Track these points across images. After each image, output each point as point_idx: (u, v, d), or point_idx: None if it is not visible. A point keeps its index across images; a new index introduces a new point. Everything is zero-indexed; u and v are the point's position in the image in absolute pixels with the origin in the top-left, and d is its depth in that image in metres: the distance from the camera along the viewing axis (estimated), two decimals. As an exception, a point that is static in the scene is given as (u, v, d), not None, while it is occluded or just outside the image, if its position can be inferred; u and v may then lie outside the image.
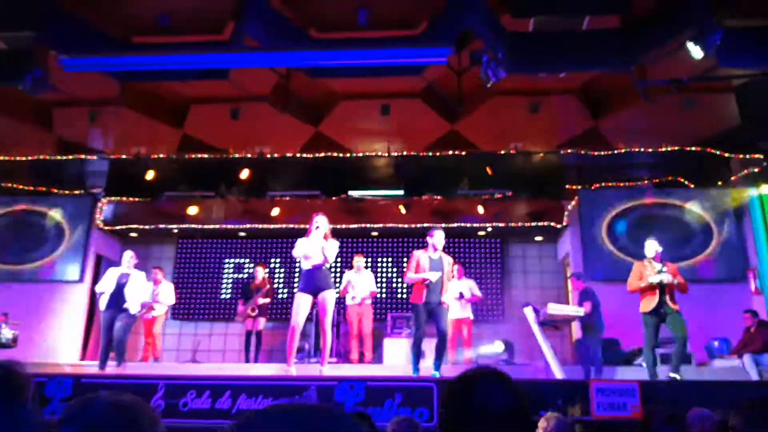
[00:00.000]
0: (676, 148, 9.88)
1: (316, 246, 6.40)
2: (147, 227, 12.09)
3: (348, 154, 10.73)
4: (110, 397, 1.33)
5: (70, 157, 10.77)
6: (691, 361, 8.35)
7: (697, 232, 10.25)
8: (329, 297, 6.45)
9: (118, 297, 7.58)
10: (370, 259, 11.80)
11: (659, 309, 6.70)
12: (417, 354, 6.73)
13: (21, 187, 11.57)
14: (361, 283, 9.56)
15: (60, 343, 10.64)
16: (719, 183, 10.48)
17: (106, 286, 7.67)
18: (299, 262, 6.73)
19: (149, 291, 8.30)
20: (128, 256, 7.95)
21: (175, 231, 12.32)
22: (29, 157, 10.86)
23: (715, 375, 7.97)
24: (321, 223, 6.51)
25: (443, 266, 6.67)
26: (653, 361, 6.86)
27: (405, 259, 12.20)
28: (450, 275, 6.79)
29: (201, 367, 9.48)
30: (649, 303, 6.77)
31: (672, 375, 6.57)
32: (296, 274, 12.21)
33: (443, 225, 11.56)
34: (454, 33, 6.85)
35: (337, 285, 11.75)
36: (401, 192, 10.96)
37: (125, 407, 1.24)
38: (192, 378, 6.30)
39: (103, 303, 7.67)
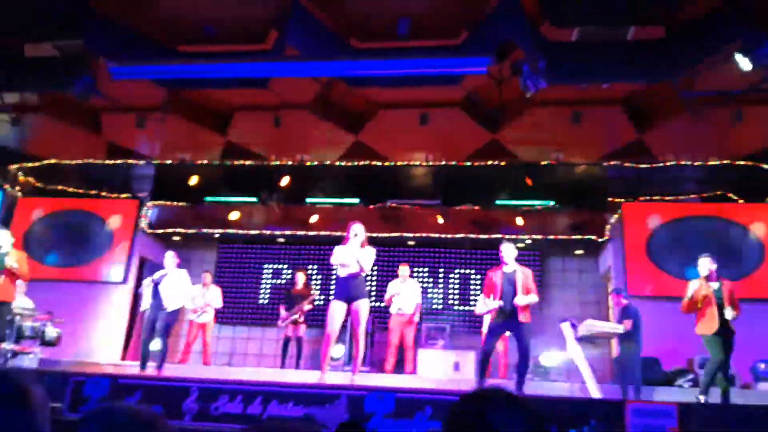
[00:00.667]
0: (724, 161, 9.55)
1: (352, 254, 6.41)
2: (189, 231, 12.35)
3: (387, 163, 10.75)
4: (129, 408, 1.36)
5: (118, 161, 11.12)
6: (735, 383, 8.03)
7: (745, 249, 9.86)
8: (363, 306, 6.45)
9: (156, 296, 7.73)
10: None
11: (720, 330, 6.40)
12: (481, 368, 6.65)
13: (71, 189, 12.00)
14: (406, 293, 9.49)
15: (101, 343, 10.93)
16: (768, 199, 10.08)
17: (146, 289, 7.84)
18: (336, 269, 6.75)
19: (188, 289, 8.32)
20: (170, 256, 8.09)
21: (217, 236, 12.55)
22: (79, 161, 11.26)
23: (761, 398, 7.61)
24: (358, 230, 6.52)
25: (516, 279, 6.56)
26: (712, 380, 6.48)
27: (441, 270, 12.16)
28: (525, 288, 6.57)
29: (236, 371, 9.59)
30: (709, 326, 6.46)
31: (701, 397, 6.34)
32: (333, 282, 12.28)
33: (481, 236, 11.53)
34: (494, 43, 6.80)
35: (372, 294, 11.86)
36: (438, 201, 10.92)
37: (140, 418, 1.27)
38: (225, 382, 6.37)
39: (144, 303, 7.84)
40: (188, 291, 8.22)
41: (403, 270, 9.65)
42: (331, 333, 6.41)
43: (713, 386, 6.53)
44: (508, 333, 6.99)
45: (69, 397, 6.00)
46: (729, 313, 6.38)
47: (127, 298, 11.59)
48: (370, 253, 6.48)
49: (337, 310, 6.40)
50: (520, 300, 6.42)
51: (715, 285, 6.56)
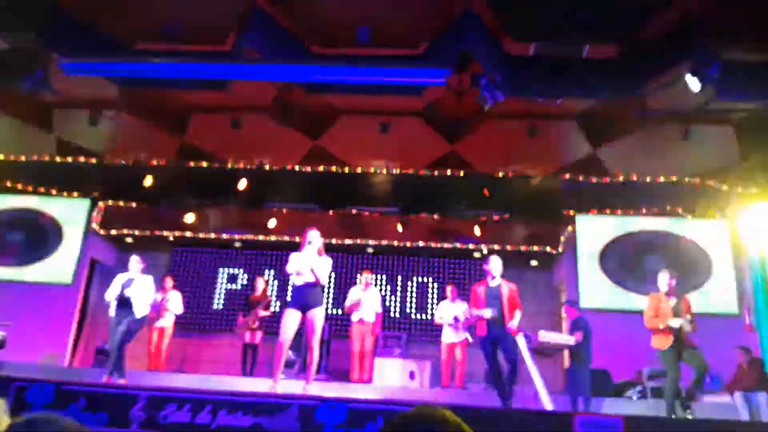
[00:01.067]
0: (674, 178, 9.84)
1: (308, 262, 6.33)
2: (143, 233, 12.06)
3: (347, 169, 10.71)
4: (54, 422, 1.31)
5: (70, 159, 10.77)
6: (682, 395, 8.22)
7: (693, 264, 10.16)
8: (318, 314, 6.36)
9: (122, 302, 7.51)
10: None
11: (676, 345, 6.46)
12: (499, 386, 6.59)
13: (20, 186, 11.58)
14: (368, 301, 9.42)
15: (49, 347, 10.55)
16: (717, 216, 10.42)
17: (112, 293, 7.60)
18: (292, 276, 6.65)
19: (153, 295, 8.14)
20: (135, 261, 7.86)
21: (171, 238, 12.29)
22: (29, 158, 10.87)
23: (705, 411, 7.83)
24: (313, 238, 6.44)
25: (501, 293, 6.58)
26: (674, 396, 6.50)
27: (399, 277, 12.17)
28: (510, 302, 6.60)
29: (187, 378, 9.37)
30: (665, 340, 6.51)
31: (685, 415, 6.42)
32: (291, 288, 12.16)
33: (439, 245, 11.60)
34: (454, 54, 6.86)
35: (330, 301, 11.79)
36: (397, 209, 10.95)
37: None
38: (173, 390, 6.22)
39: (111, 310, 7.59)
40: (152, 297, 8.04)
41: (365, 277, 9.57)
42: (284, 341, 6.31)
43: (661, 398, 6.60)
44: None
45: (12, 402, 5.76)
46: (687, 326, 6.48)
47: (76, 300, 11.24)
48: (326, 263, 6.41)
49: (291, 318, 6.29)
50: (514, 324, 6.50)
51: (672, 300, 6.66)
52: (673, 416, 6.36)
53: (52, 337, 10.71)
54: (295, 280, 6.40)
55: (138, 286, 7.59)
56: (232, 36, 7.51)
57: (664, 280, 6.74)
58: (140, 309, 7.55)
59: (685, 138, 8.46)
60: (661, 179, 9.95)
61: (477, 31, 6.86)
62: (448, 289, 9.75)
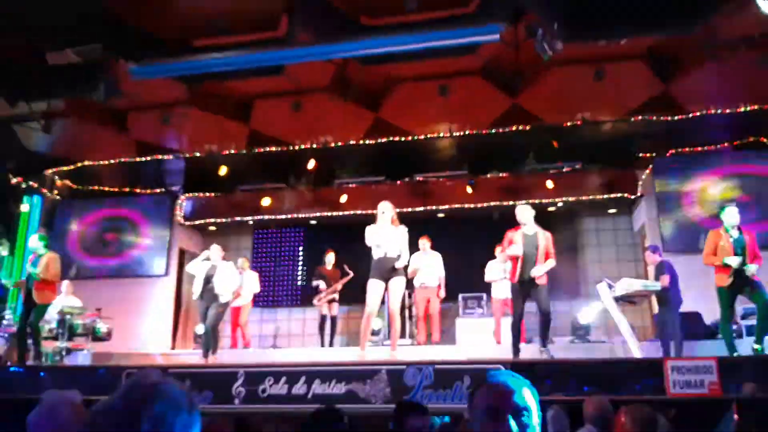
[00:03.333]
0: (755, 107, 9.23)
1: (386, 234, 6.47)
2: (224, 220, 12.62)
3: (410, 138, 10.72)
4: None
5: (148, 158, 11.37)
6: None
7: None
8: (399, 283, 6.52)
9: (208, 287, 8.01)
10: (438, 241, 11.77)
11: (735, 282, 6.31)
12: (515, 335, 6.67)
13: (107, 188, 12.35)
14: (428, 265, 9.52)
15: (151, 334, 11.34)
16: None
17: (195, 268, 8.18)
18: (370, 248, 6.81)
19: (237, 279, 8.69)
20: (216, 249, 8.37)
21: (251, 222, 12.80)
22: (111, 161, 11.56)
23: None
24: (386, 208, 6.57)
25: (538, 242, 6.55)
26: (731, 336, 6.49)
27: (474, 240, 12.12)
28: (546, 251, 6.59)
29: (279, 352, 9.86)
30: (723, 278, 6.37)
31: (755, 347, 6.24)
32: (366, 260, 12.40)
33: (512, 202, 11.45)
34: (506, 8, 6.69)
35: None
36: (465, 172, 10.89)
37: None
38: (269, 365, 6.60)
39: (195, 293, 8.13)
40: (236, 282, 8.54)
41: (424, 243, 9.64)
42: (371, 312, 6.51)
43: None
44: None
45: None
46: (750, 269, 6.23)
47: (170, 290, 11.99)
48: (403, 233, 6.52)
49: (375, 289, 6.48)
50: (537, 271, 6.42)
51: (735, 234, 6.40)
52: (734, 354, 6.19)
53: (153, 325, 11.50)
54: (375, 252, 6.55)
55: (221, 272, 8.07)
56: (284, 20, 7.63)
57: (731, 216, 6.48)
58: (225, 294, 8.04)
59: (763, 64, 7.90)
60: (741, 110, 9.36)
61: (528, -20, 6.65)
62: (498, 249, 9.60)
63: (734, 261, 6.25)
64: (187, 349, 11.41)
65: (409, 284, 9.67)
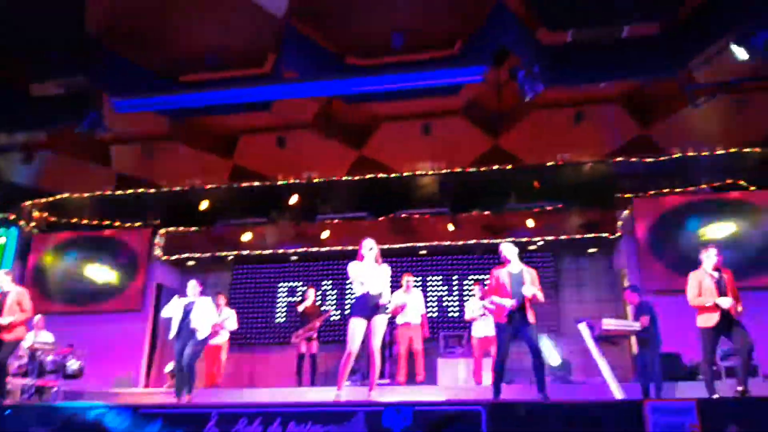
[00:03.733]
0: (733, 150, 9.47)
1: (370, 271, 6.40)
2: (203, 255, 12.48)
3: (393, 174, 10.79)
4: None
5: (129, 191, 11.28)
6: (758, 373, 7.91)
7: (760, 236, 9.75)
8: (381, 321, 6.42)
9: (186, 325, 7.84)
10: (419, 278, 11.76)
11: (721, 323, 6.30)
12: (498, 375, 6.52)
13: (84, 222, 12.19)
14: (412, 303, 9.47)
15: (124, 372, 11.04)
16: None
17: (172, 311, 7.93)
18: (351, 284, 6.70)
19: (215, 316, 8.48)
20: (193, 285, 8.18)
21: (230, 258, 12.66)
22: (90, 193, 11.44)
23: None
24: (372, 245, 6.50)
25: (524, 279, 6.52)
26: (712, 376, 6.47)
27: (455, 277, 12.14)
28: (533, 288, 6.48)
29: (255, 393, 9.63)
30: (710, 319, 6.36)
31: (739, 389, 6.23)
32: (347, 296, 12.31)
33: (493, 240, 11.51)
34: (489, 51, 6.83)
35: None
36: (446, 209, 10.96)
37: None
38: (243, 405, 6.42)
39: (172, 332, 7.93)
40: (214, 319, 8.34)
41: (407, 280, 9.59)
42: (352, 351, 6.36)
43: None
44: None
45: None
46: (738, 308, 6.27)
47: (146, 326, 11.74)
48: (387, 272, 6.47)
49: (357, 328, 6.35)
50: (528, 290, 6.37)
51: (716, 275, 6.45)
52: (714, 396, 6.20)
53: (126, 362, 11.21)
54: (358, 290, 6.46)
55: (199, 309, 7.89)
56: (271, 58, 7.71)
57: (711, 256, 6.54)
58: (202, 331, 7.85)
59: (740, 107, 8.13)
60: (719, 152, 9.59)
61: (511, 25, 6.81)
62: (477, 287, 9.61)
63: (726, 302, 6.26)
64: (161, 388, 11.13)
65: (391, 322, 9.61)
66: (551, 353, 6.92)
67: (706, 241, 9.90)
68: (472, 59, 7.05)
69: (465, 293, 11.98)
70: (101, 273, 11.87)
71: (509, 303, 6.32)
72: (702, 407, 5.09)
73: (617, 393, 6.95)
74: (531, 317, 6.40)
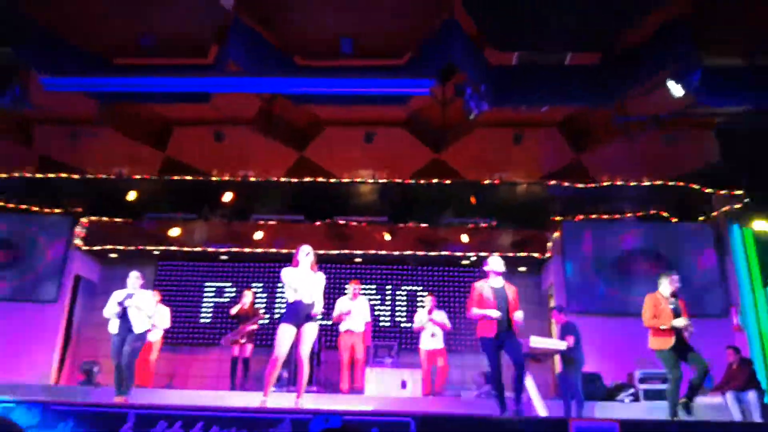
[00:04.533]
0: (658, 182, 9.94)
1: (304, 278, 6.26)
2: (127, 248, 11.93)
3: (333, 180, 10.68)
4: None
5: (51, 175, 10.63)
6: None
7: (678, 267, 10.25)
8: (312, 329, 6.29)
9: (124, 319, 7.39)
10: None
11: (676, 344, 6.45)
12: (499, 390, 6.39)
13: (1, 204, 11.41)
14: (356, 311, 9.36)
15: (34, 366, 10.37)
16: (701, 218, 10.54)
17: (111, 310, 7.45)
18: (283, 289, 6.53)
19: (153, 310, 8.00)
20: (134, 276, 7.67)
21: (156, 253, 12.17)
22: (9, 174, 10.72)
23: (697, 412, 7.87)
24: (309, 251, 6.36)
25: (507, 294, 6.50)
26: (677, 398, 6.46)
27: (388, 287, 12.14)
28: (514, 303, 6.49)
29: (176, 394, 9.25)
30: (666, 342, 6.49)
31: (683, 401, 6.41)
32: (278, 300, 12.07)
33: (426, 253, 11.61)
34: (437, 65, 6.86)
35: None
36: (385, 218, 10.95)
37: None
38: (163, 407, 6.12)
39: (112, 327, 7.45)
40: (152, 311, 7.88)
41: (353, 287, 9.51)
42: (279, 356, 6.20)
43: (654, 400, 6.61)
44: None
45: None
46: (690, 328, 6.47)
47: (60, 318, 11.09)
48: (321, 279, 6.35)
49: (286, 334, 6.19)
50: (519, 315, 6.41)
51: (672, 300, 6.65)
52: (674, 418, 6.34)
53: (37, 355, 10.54)
54: (290, 296, 6.30)
55: (137, 301, 7.47)
56: (214, 49, 7.47)
57: (667, 281, 6.72)
58: (140, 324, 7.43)
59: (667, 142, 8.54)
60: (645, 183, 10.04)
61: (460, 42, 6.86)
62: (428, 299, 9.68)
63: (681, 321, 6.44)
64: (73, 383, 10.52)
65: (333, 329, 9.47)
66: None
67: (624, 267, 10.35)
68: (420, 71, 7.05)
69: (397, 303, 12.01)
70: (16, 260, 11.12)
71: (496, 314, 6.31)
72: (625, 428, 5.24)
73: (542, 410, 7.08)
74: (514, 329, 6.44)
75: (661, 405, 7.42)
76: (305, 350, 6.23)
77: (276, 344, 6.19)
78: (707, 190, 10.07)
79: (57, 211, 11.58)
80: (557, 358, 8.86)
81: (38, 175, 10.70)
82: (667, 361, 6.53)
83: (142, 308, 7.48)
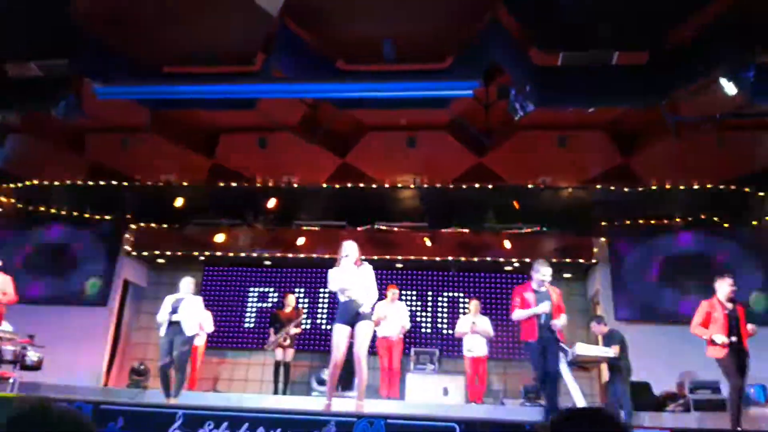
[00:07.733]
0: (709, 185, 9.62)
1: (349, 277, 6.26)
2: (174, 254, 12.19)
3: (374, 185, 10.71)
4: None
5: (102, 182, 10.98)
6: (725, 408, 7.96)
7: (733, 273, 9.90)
8: (366, 327, 6.24)
9: (174, 323, 7.58)
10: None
11: (731, 355, 6.20)
12: (547, 391, 6.41)
13: (54, 210, 11.83)
14: (393, 315, 9.35)
15: (84, 367, 10.68)
16: (754, 222, 10.14)
17: (163, 315, 7.67)
18: (326, 292, 6.58)
19: (203, 314, 8.23)
20: (187, 282, 7.96)
21: (202, 258, 12.40)
22: (62, 182, 11.11)
23: (750, 424, 7.55)
24: (349, 250, 6.37)
25: (551, 298, 6.45)
26: (739, 407, 6.23)
27: (430, 293, 12.06)
28: (559, 308, 6.48)
29: (223, 397, 9.38)
30: (719, 351, 6.26)
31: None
32: (320, 304, 12.13)
33: (468, 258, 11.49)
34: (481, 67, 6.81)
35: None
36: (425, 224, 10.91)
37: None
38: (211, 408, 6.22)
39: (162, 330, 7.67)
40: (202, 317, 8.11)
41: (392, 292, 9.50)
42: (336, 358, 6.19)
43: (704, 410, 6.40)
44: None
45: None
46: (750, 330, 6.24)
47: (109, 321, 11.40)
48: (368, 270, 6.34)
49: (341, 335, 6.17)
50: (560, 322, 6.36)
51: (729, 306, 6.42)
52: (738, 429, 6.09)
53: (87, 357, 10.85)
54: (341, 296, 6.31)
55: (188, 305, 7.67)
56: (260, 57, 7.59)
57: (725, 285, 6.46)
58: (190, 328, 7.61)
59: (719, 144, 8.26)
60: (696, 187, 9.72)
61: (503, 43, 6.81)
62: (473, 303, 9.64)
63: (721, 339, 6.21)
64: (121, 385, 10.79)
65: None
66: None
67: (678, 272, 10.03)
68: (463, 74, 7.00)
69: (438, 310, 11.92)
70: (68, 264, 11.51)
71: (545, 307, 6.27)
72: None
73: (580, 400, 6.94)
74: (558, 335, 6.38)
75: (711, 416, 7.17)
76: (361, 349, 6.14)
77: (333, 347, 6.19)
78: (761, 194, 9.70)
79: (107, 217, 11.93)
80: (604, 366, 8.66)
81: (90, 183, 11.06)
82: (726, 368, 6.29)
83: (193, 313, 7.67)
